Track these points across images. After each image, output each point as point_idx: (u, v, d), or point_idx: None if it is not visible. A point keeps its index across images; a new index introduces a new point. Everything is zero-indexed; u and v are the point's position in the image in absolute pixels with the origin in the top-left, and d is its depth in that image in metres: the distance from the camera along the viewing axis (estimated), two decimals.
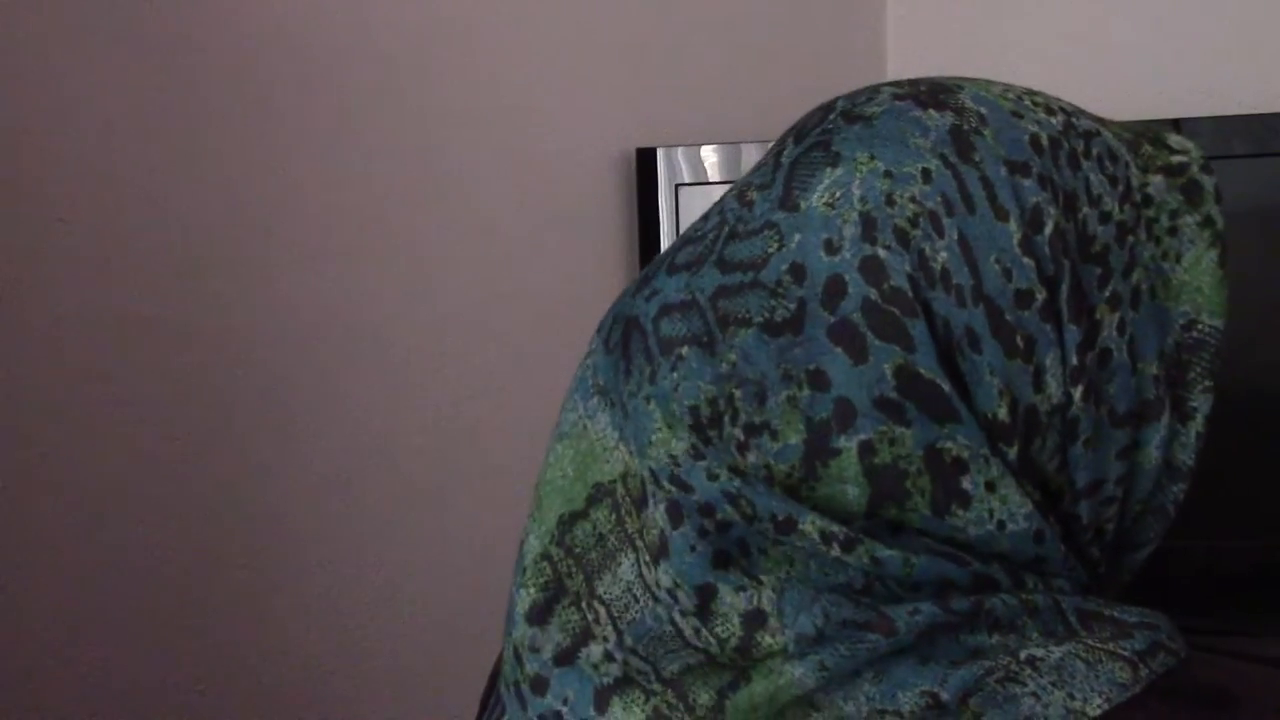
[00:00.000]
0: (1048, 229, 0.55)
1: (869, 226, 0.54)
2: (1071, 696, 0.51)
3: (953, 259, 0.54)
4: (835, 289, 0.53)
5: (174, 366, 1.15)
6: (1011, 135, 0.56)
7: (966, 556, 0.54)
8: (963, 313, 0.54)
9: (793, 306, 0.53)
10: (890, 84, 0.60)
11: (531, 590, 0.57)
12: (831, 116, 0.58)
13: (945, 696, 0.51)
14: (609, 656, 0.56)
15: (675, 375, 0.55)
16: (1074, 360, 0.55)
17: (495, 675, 0.67)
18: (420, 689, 1.30)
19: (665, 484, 0.54)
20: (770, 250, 0.54)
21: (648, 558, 0.55)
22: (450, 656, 1.31)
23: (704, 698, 0.54)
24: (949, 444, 0.53)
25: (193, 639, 1.16)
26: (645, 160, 1.42)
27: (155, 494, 1.14)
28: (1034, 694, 0.51)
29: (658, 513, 0.55)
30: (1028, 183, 0.55)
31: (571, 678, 0.57)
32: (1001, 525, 0.54)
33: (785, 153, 0.58)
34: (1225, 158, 1.32)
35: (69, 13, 1.08)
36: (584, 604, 0.56)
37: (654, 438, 0.55)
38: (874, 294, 0.53)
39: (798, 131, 0.59)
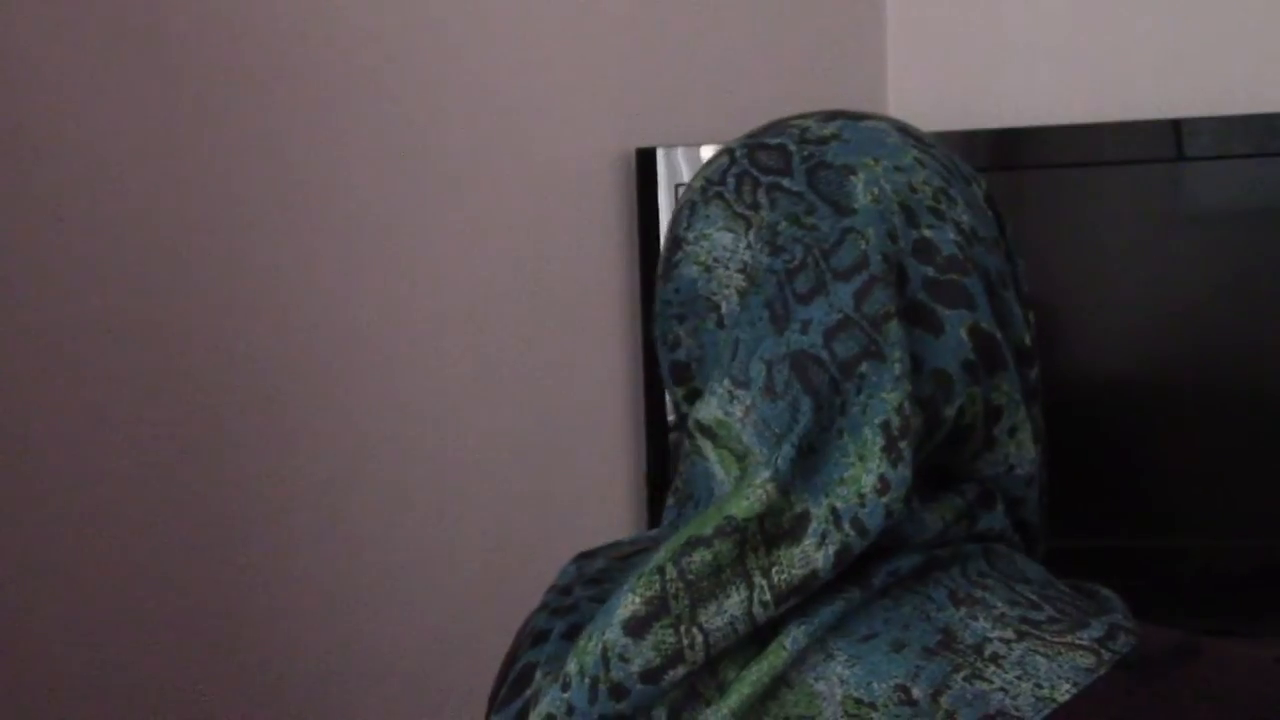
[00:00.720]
0: (984, 187, 0.65)
1: (909, 214, 0.61)
2: (1039, 686, 0.54)
3: (972, 219, 0.62)
4: (901, 274, 0.60)
5: (173, 366, 1.15)
6: (920, 131, 0.66)
7: (970, 487, 0.60)
8: (992, 259, 0.62)
9: (894, 277, 0.60)
10: (795, 117, 0.66)
11: (636, 599, 0.58)
12: (792, 147, 0.63)
13: (917, 693, 0.54)
14: (705, 639, 0.57)
15: (862, 398, 0.58)
16: (1025, 288, 0.65)
17: (505, 673, 0.68)
18: (421, 689, 1.30)
19: (847, 527, 0.56)
20: (864, 248, 0.60)
21: (768, 597, 0.56)
22: (450, 656, 1.31)
23: (729, 674, 0.57)
24: (996, 394, 0.60)
25: (193, 639, 1.16)
26: (645, 160, 1.42)
27: (155, 494, 1.14)
28: (1001, 689, 0.54)
29: (820, 554, 0.56)
30: (958, 159, 0.65)
31: (651, 693, 0.57)
32: (1010, 468, 0.61)
33: (796, 182, 0.62)
34: (1225, 158, 1.32)
35: (69, 13, 1.08)
36: (682, 628, 0.57)
37: (846, 474, 0.57)
38: (931, 270, 0.60)
39: (765, 172, 0.63)
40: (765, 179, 0.63)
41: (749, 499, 0.57)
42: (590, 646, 0.58)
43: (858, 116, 0.65)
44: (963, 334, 0.59)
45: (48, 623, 1.09)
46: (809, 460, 0.57)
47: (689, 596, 0.57)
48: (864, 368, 0.58)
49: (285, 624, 1.22)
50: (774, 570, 0.56)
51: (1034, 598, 0.57)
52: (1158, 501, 1.35)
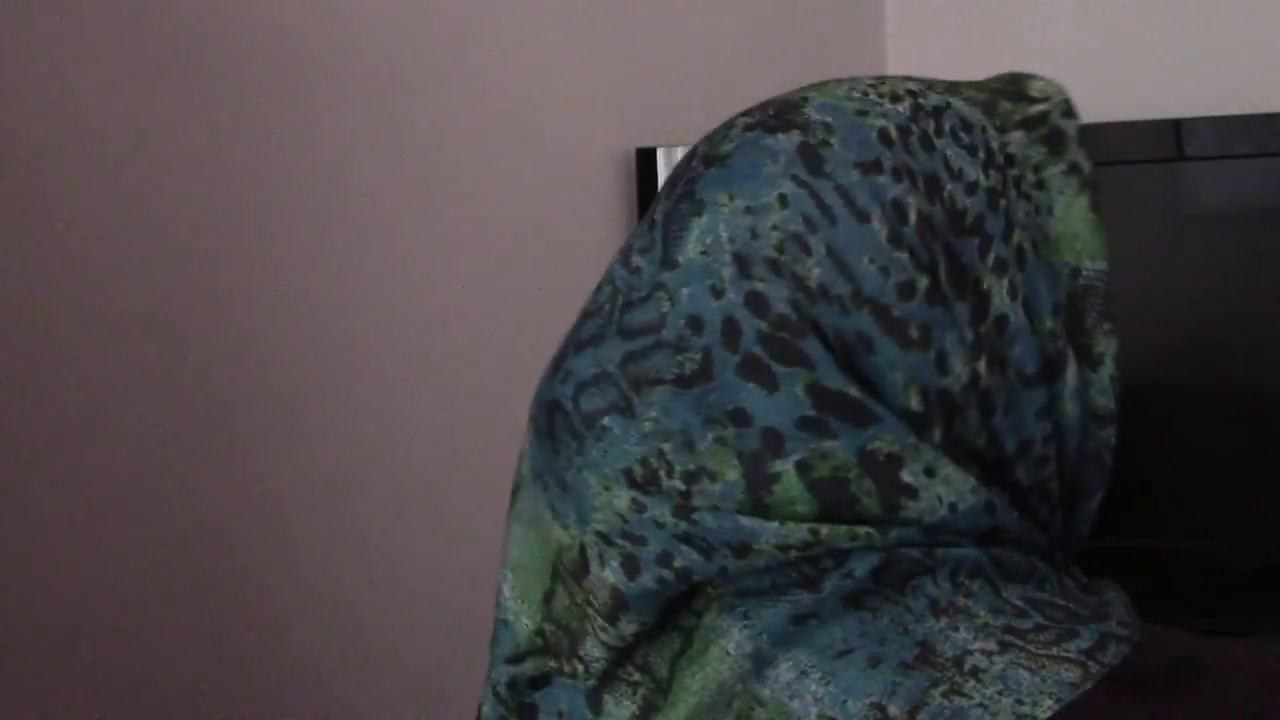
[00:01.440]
0: (912, 218, 0.56)
1: (743, 265, 0.56)
2: (1020, 702, 0.51)
3: (825, 272, 0.55)
4: (731, 329, 0.55)
5: (173, 367, 1.15)
6: (858, 136, 0.57)
7: (926, 537, 0.55)
8: (849, 319, 0.55)
9: (698, 357, 0.55)
10: (743, 114, 0.62)
11: (520, 644, 0.61)
12: (693, 163, 0.60)
13: (893, 711, 0.52)
14: (589, 674, 0.58)
15: (602, 445, 0.56)
16: (970, 335, 0.56)
17: None
18: (421, 689, 1.30)
19: (618, 540, 0.56)
20: (665, 310, 0.56)
21: (601, 622, 0.57)
22: (451, 657, 1.31)
23: (662, 671, 0.57)
24: (878, 444, 0.54)
25: (193, 639, 1.16)
26: (645, 160, 1.42)
27: (155, 494, 1.14)
28: (981, 705, 0.51)
29: (607, 570, 0.56)
30: (882, 179, 0.56)
31: (558, 693, 0.59)
32: (953, 507, 0.55)
33: (659, 209, 0.60)
34: (1225, 158, 1.32)
35: (69, 13, 1.08)
36: (563, 659, 0.59)
37: (596, 502, 0.56)
38: (764, 325, 0.55)
39: (669, 184, 0.61)
40: (662, 194, 0.61)
41: (556, 539, 0.59)
42: (485, 697, 0.62)
43: (796, 105, 0.60)
44: (798, 391, 0.54)
45: (47, 623, 1.09)
46: (566, 497, 0.58)
47: (568, 638, 0.59)
48: (606, 420, 0.56)
49: (285, 624, 1.22)
50: (593, 598, 0.57)
51: (1020, 604, 0.54)
52: (1158, 501, 1.35)
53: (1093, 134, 0.63)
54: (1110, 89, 1.49)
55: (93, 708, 1.11)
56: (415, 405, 1.30)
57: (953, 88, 0.62)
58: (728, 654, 0.55)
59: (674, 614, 0.57)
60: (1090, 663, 0.52)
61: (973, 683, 0.52)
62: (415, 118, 1.29)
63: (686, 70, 1.48)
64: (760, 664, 0.54)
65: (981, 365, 0.57)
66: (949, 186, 0.58)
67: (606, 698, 0.58)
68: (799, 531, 0.54)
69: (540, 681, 0.60)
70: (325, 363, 1.24)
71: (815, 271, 0.55)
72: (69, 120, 1.09)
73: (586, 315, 0.60)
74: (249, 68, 1.18)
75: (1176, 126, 1.34)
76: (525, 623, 0.60)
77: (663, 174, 1.42)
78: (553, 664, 0.59)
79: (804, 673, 0.53)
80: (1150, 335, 1.34)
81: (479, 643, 1.14)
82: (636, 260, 0.59)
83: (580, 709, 0.58)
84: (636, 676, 0.58)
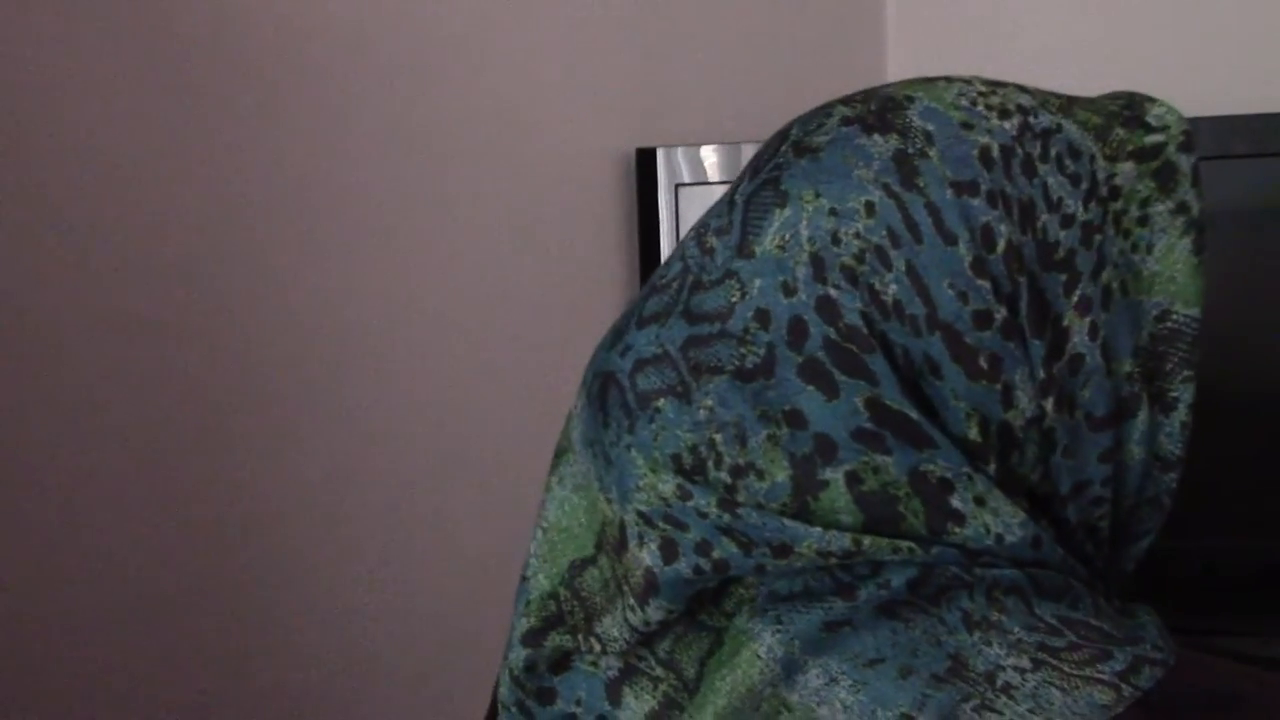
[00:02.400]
0: (1000, 247, 0.55)
1: (819, 267, 0.54)
2: None
3: (903, 290, 0.54)
4: (798, 330, 0.54)
5: (173, 366, 1.15)
6: (958, 152, 0.56)
7: (967, 558, 0.54)
8: (919, 342, 0.54)
9: (762, 352, 0.54)
10: (843, 103, 0.59)
11: (532, 619, 0.59)
12: (783, 148, 0.58)
13: None
14: (605, 652, 0.58)
15: (654, 427, 0.56)
16: (1041, 373, 0.55)
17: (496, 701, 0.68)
18: (422, 690, 1.30)
19: (660, 523, 0.55)
20: (734, 300, 0.55)
21: (632, 601, 0.56)
22: (452, 657, 1.31)
23: (689, 671, 0.56)
24: (931, 466, 0.53)
25: (193, 639, 1.16)
26: (645, 160, 1.42)
27: (155, 494, 1.14)
28: None
29: (645, 552, 0.55)
30: (976, 202, 0.55)
31: (577, 680, 0.58)
32: (1000, 539, 0.54)
33: (740, 189, 0.58)
34: (1225, 158, 1.32)
35: (69, 13, 1.08)
36: (580, 635, 0.58)
37: (640, 482, 0.56)
38: (833, 332, 0.54)
39: (754, 165, 0.59)
40: (746, 174, 0.59)
41: (602, 510, 0.58)
42: (502, 679, 0.60)
43: (900, 104, 0.57)
44: (858, 402, 0.53)
45: (47, 622, 1.09)
46: (610, 471, 0.57)
47: (584, 610, 0.58)
48: (661, 403, 0.55)
49: (285, 623, 1.22)
50: (628, 577, 0.56)
51: (1054, 622, 0.53)
52: (1167, 514, 1.35)
53: None
54: (1110, 89, 1.49)
55: (93, 708, 1.11)
56: (415, 405, 1.30)
57: (1067, 107, 0.60)
58: (758, 657, 0.54)
59: (702, 610, 0.56)
60: (1124, 685, 0.51)
61: (1004, 699, 0.51)
62: (415, 118, 1.29)
63: (686, 70, 1.48)
64: (790, 669, 0.53)
65: (1049, 404, 0.56)
66: (1044, 217, 0.56)
67: (626, 690, 0.57)
68: (841, 539, 0.53)
69: (561, 665, 0.59)
70: (325, 363, 1.24)
71: (892, 288, 0.54)
72: (70, 120, 1.09)
73: (653, 289, 0.59)
74: (248, 68, 1.18)
75: None
76: (542, 582, 0.60)
77: (663, 174, 1.42)
78: (569, 641, 0.59)
79: (833, 680, 0.53)
80: None
81: (479, 644, 1.14)
82: (711, 241, 0.57)
83: (599, 698, 0.58)
84: (659, 671, 0.57)
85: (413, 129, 1.29)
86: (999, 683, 0.51)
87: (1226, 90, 1.44)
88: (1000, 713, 0.51)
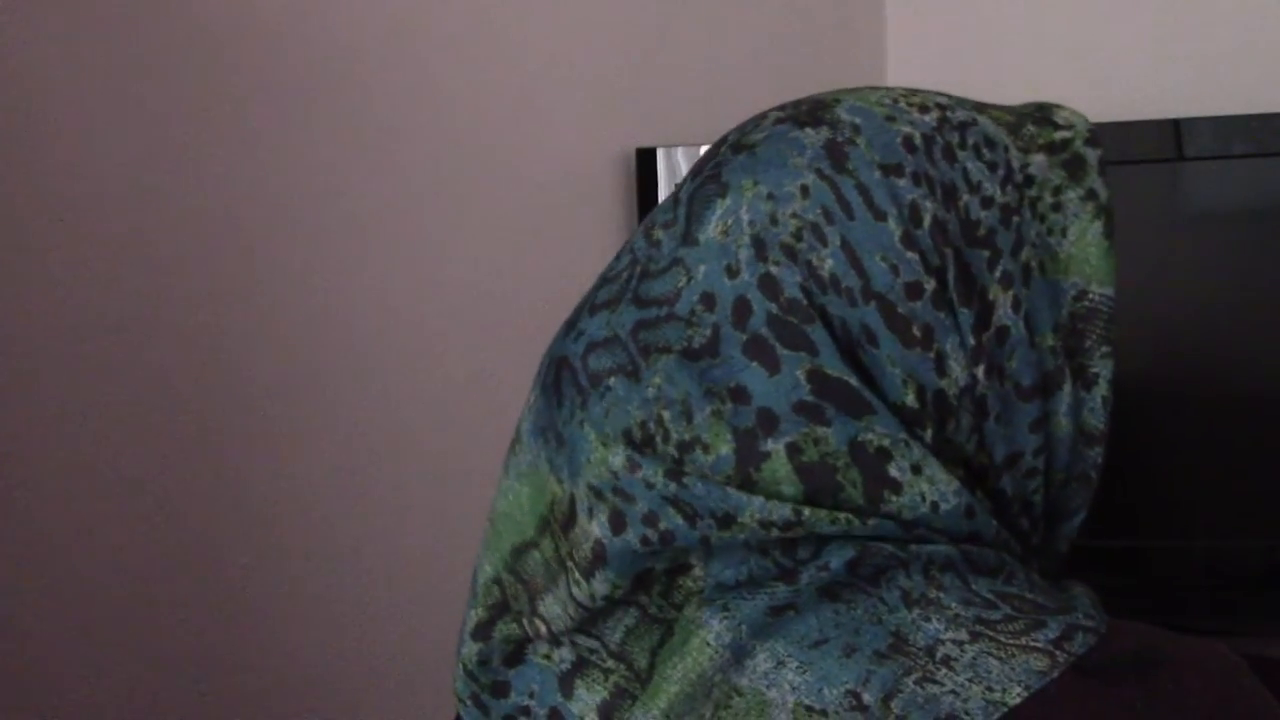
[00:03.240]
0: (927, 222, 0.58)
1: (760, 247, 0.58)
2: (990, 689, 0.53)
3: (838, 264, 0.57)
4: (742, 309, 0.57)
5: (174, 366, 1.15)
6: (884, 139, 0.60)
7: (903, 531, 0.56)
8: (856, 312, 0.57)
9: (708, 332, 0.57)
10: (776, 108, 0.63)
11: (480, 610, 0.62)
12: (723, 149, 0.62)
13: (868, 698, 0.53)
14: (555, 643, 0.60)
15: (605, 403, 0.58)
16: (971, 341, 0.58)
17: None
18: (421, 689, 1.30)
19: (609, 496, 0.57)
20: (680, 284, 0.58)
21: (578, 575, 0.58)
22: (450, 657, 1.30)
23: (641, 662, 0.58)
24: (870, 435, 0.56)
25: (193, 639, 1.16)
26: (645, 160, 1.42)
27: (155, 494, 1.14)
28: (953, 692, 0.53)
29: (594, 524, 0.58)
30: (902, 182, 0.59)
31: (531, 673, 0.61)
32: (935, 506, 0.56)
33: (684, 188, 0.62)
34: (1225, 158, 1.32)
35: (69, 13, 1.08)
36: (525, 620, 0.61)
37: (591, 456, 0.58)
38: (774, 308, 0.57)
39: (696, 168, 0.63)
40: (689, 176, 0.63)
41: (547, 494, 0.60)
42: (456, 673, 0.62)
43: (828, 104, 0.61)
44: (799, 375, 0.56)
45: (47, 623, 1.09)
46: (562, 450, 0.59)
47: (527, 593, 0.61)
48: (612, 381, 0.58)
49: (284, 624, 1.22)
50: (575, 552, 0.58)
51: (990, 596, 0.56)
52: (1157, 501, 1.35)
53: None
54: (1110, 89, 1.49)
55: (93, 708, 1.11)
56: (414, 406, 1.30)
57: (981, 107, 0.64)
58: (707, 645, 0.56)
59: (651, 603, 0.58)
60: (1058, 652, 0.53)
61: (944, 671, 0.53)
62: (415, 118, 1.29)
63: (686, 70, 1.48)
64: (739, 654, 0.55)
65: (980, 372, 0.58)
66: (966, 198, 0.60)
67: (578, 682, 0.59)
68: (782, 509, 0.55)
69: (514, 659, 0.61)
70: (325, 364, 1.24)
71: (828, 262, 0.57)
72: (69, 120, 1.09)
73: (604, 280, 0.62)
74: (251, 71, 1.18)
75: (1176, 126, 1.34)
76: (486, 569, 0.63)
77: (663, 174, 1.42)
78: (515, 629, 0.61)
79: (781, 662, 0.55)
80: (1150, 335, 1.34)
81: None
82: (658, 234, 0.61)
83: (551, 691, 0.60)
84: (610, 663, 0.59)
85: (413, 130, 1.29)
86: (939, 655, 0.54)
87: (1226, 90, 1.44)
88: (941, 684, 0.53)
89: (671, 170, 1.42)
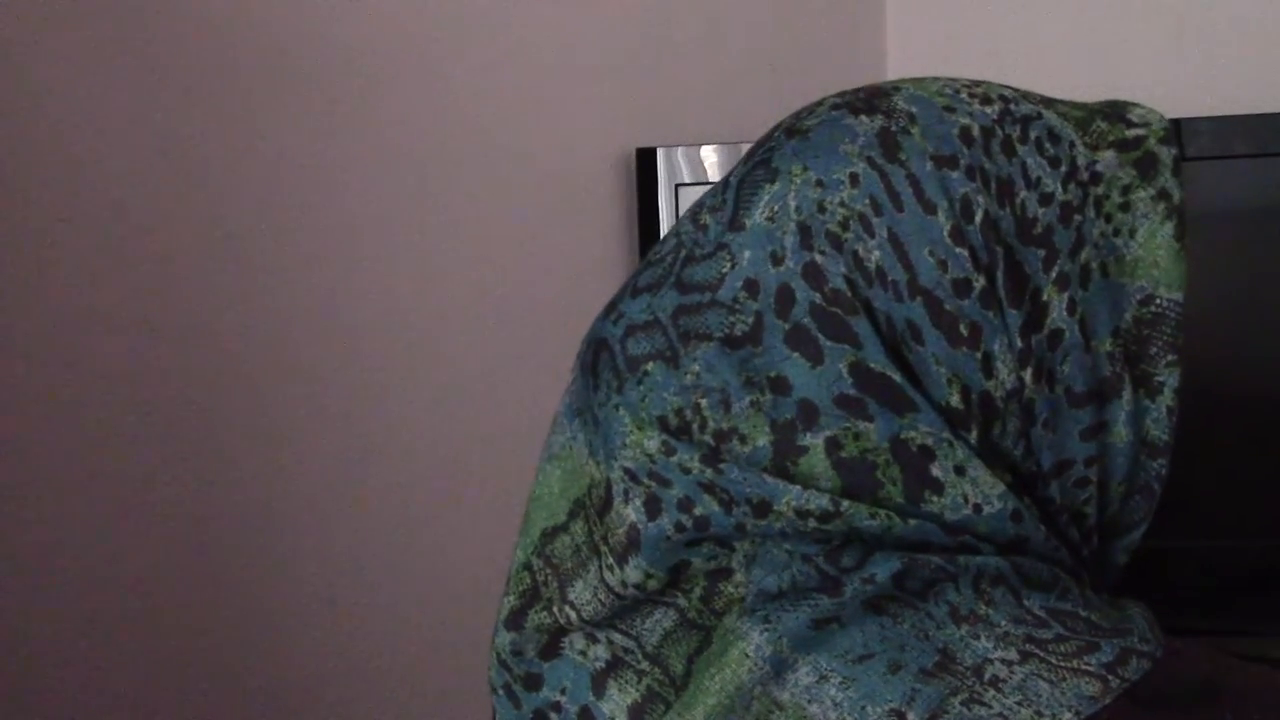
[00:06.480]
0: (978, 217, 0.56)
1: (805, 235, 0.56)
2: (1039, 714, 0.51)
3: (885, 256, 0.55)
4: (785, 297, 0.55)
5: (174, 366, 1.15)
6: (940, 130, 0.58)
7: (943, 530, 0.54)
8: (901, 307, 0.55)
9: (750, 320, 0.56)
10: (835, 95, 0.61)
11: (512, 598, 0.61)
12: (776, 134, 0.60)
13: (912, 718, 0.51)
14: (591, 639, 0.59)
15: (641, 388, 0.57)
16: (1020, 343, 0.56)
17: None
18: (422, 691, 1.30)
19: (644, 480, 0.56)
20: (724, 270, 0.57)
21: (611, 560, 0.57)
22: (452, 659, 1.31)
23: (677, 667, 0.57)
24: (912, 433, 0.54)
25: (193, 640, 1.16)
26: (645, 160, 1.42)
27: (155, 494, 1.14)
28: (1000, 715, 0.51)
29: (630, 508, 0.56)
30: (955, 174, 0.56)
31: (565, 668, 0.59)
32: (978, 508, 0.54)
33: (735, 172, 0.60)
34: (1225, 158, 1.32)
35: (69, 13, 1.08)
36: (555, 607, 0.59)
37: (627, 439, 0.57)
38: (818, 297, 0.55)
39: (750, 151, 0.61)
40: (742, 160, 0.62)
41: (584, 477, 0.59)
42: (491, 662, 0.61)
43: (887, 92, 0.59)
44: (841, 368, 0.54)
45: (47, 623, 1.09)
46: (598, 433, 0.58)
47: (557, 579, 0.59)
48: (650, 366, 0.57)
49: (284, 624, 1.22)
50: (609, 536, 0.57)
51: (1041, 613, 0.54)
52: (1158, 501, 1.35)
53: None
54: (1110, 89, 1.49)
55: (93, 708, 1.11)
56: (414, 406, 1.30)
57: (1049, 101, 0.62)
58: (747, 656, 0.54)
59: (688, 599, 0.57)
60: (1110, 677, 0.52)
61: (992, 692, 0.52)
62: (415, 118, 1.29)
63: (686, 70, 1.48)
64: (780, 667, 0.54)
65: (1028, 375, 0.56)
66: (1023, 194, 0.58)
67: (610, 682, 0.58)
68: (820, 499, 0.54)
69: (550, 652, 0.60)
70: (325, 364, 1.24)
71: (875, 254, 0.56)
72: (69, 120, 1.09)
73: (648, 264, 0.60)
74: (251, 71, 1.18)
75: (1176, 126, 1.34)
76: (518, 555, 0.61)
77: (663, 174, 1.42)
78: (547, 617, 0.60)
79: (823, 677, 0.53)
80: None
81: (481, 644, 1.14)
82: (705, 218, 0.59)
83: (583, 688, 0.59)
84: (644, 665, 0.58)
85: (413, 130, 1.29)
86: (987, 676, 0.52)
87: (1226, 90, 1.44)
88: (988, 705, 0.51)
89: (671, 170, 1.42)
